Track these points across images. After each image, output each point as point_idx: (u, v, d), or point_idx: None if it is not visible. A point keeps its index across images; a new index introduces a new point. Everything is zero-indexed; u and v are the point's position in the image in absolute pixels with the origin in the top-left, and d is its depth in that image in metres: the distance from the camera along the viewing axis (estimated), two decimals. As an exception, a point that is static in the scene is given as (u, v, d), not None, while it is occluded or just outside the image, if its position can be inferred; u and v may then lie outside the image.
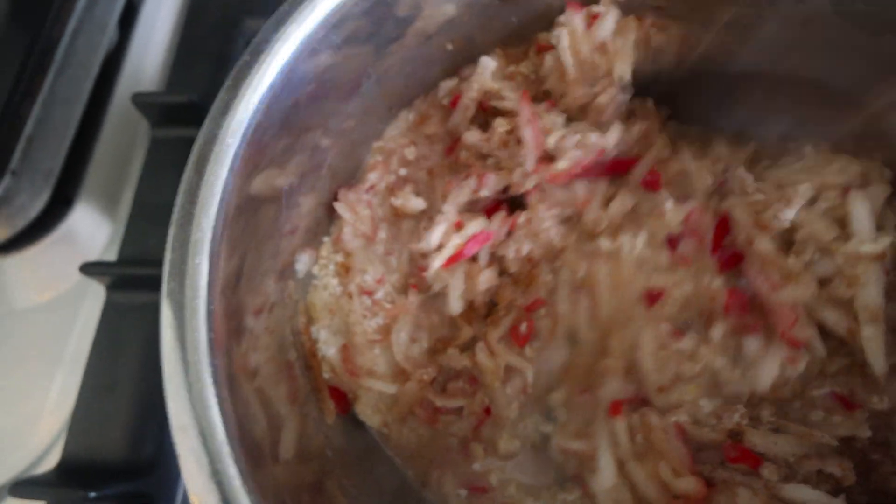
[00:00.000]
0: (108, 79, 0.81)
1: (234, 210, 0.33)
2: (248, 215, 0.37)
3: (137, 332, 0.60)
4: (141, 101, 0.67)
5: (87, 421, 0.57)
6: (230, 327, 0.32)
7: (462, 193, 0.46)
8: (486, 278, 0.47)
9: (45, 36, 0.79)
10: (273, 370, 0.42)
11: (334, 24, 0.36)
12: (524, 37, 0.49)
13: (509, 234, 0.48)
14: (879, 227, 0.39)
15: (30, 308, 0.73)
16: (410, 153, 0.49)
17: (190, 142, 0.69)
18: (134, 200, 0.68)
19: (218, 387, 0.28)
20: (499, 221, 0.47)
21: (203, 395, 0.27)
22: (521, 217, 0.47)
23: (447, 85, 0.48)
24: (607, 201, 0.47)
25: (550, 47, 0.47)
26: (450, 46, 0.47)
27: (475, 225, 0.46)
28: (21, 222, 0.73)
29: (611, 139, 0.45)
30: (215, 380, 0.28)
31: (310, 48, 0.35)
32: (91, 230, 0.76)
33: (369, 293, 0.46)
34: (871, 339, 0.37)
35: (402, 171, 0.49)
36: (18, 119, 0.74)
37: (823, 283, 0.39)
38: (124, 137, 0.79)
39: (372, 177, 0.50)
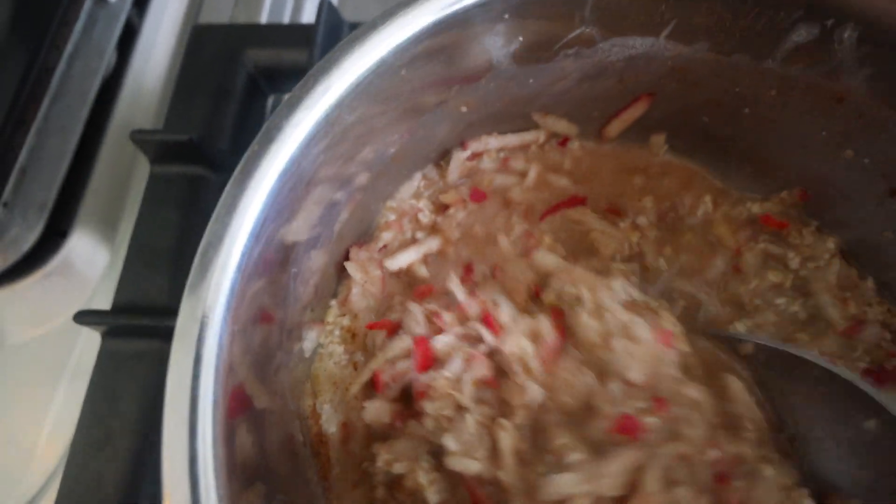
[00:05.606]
0: (105, 107, 0.78)
1: (243, 298, 0.32)
2: (257, 296, 0.35)
3: (132, 381, 0.59)
4: (140, 138, 0.64)
5: (79, 477, 0.55)
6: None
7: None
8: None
9: (40, 60, 0.76)
10: (277, 441, 0.40)
11: (348, 104, 0.34)
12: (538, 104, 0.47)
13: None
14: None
15: (23, 343, 0.71)
16: (424, 217, 0.47)
17: (189, 179, 0.67)
18: (131, 240, 0.65)
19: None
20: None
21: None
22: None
23: (459, 156, 0.47)
24: None
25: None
26: (464, 108, 0.45)
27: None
28: (14, 255, 0.70)
29: None
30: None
31: (322, 130, 0.33)
32: (86, 262, 0.74)
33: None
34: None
35: (419, 235, 0.48)
36: (11, 149, 0.71)
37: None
38: (121, 168, 0.76)
39: (386, 236, 0.48)
